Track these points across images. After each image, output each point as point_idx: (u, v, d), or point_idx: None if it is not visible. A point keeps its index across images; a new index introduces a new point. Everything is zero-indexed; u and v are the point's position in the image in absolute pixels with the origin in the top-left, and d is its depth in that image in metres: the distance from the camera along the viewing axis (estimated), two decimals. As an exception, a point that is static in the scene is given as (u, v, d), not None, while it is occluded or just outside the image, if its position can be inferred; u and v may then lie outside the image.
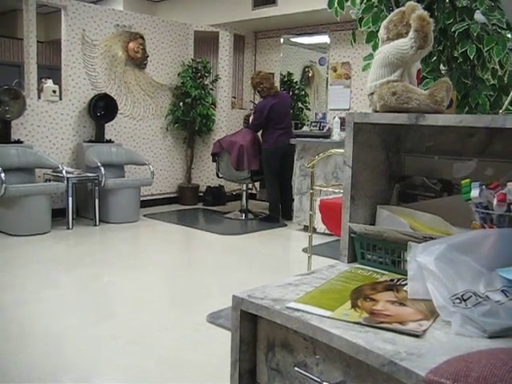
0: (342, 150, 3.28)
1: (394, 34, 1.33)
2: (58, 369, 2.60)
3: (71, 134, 6.43)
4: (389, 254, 1.35)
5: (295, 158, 6.01)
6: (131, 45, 6.88)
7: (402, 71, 1.31)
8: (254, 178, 6.53)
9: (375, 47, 2.79)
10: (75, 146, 6.45)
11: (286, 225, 6.32)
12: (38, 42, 6.18)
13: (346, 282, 1.24)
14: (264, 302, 1.09)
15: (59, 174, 5.77)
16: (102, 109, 6.51)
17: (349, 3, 2.80)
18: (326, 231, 3.02)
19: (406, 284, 1.24)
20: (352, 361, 0.96)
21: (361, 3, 2.78)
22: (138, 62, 6.96)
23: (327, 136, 7.18)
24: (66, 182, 5.68)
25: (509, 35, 2.60)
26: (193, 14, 7.79)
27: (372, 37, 2.75)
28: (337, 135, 6.05)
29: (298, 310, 1.06)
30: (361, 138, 1.39)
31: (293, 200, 6.39)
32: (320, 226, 3.03)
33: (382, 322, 1.01)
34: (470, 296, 1.04)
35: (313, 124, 7.46)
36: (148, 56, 7.05)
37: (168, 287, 4.07)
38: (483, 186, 1.18)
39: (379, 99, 1.31)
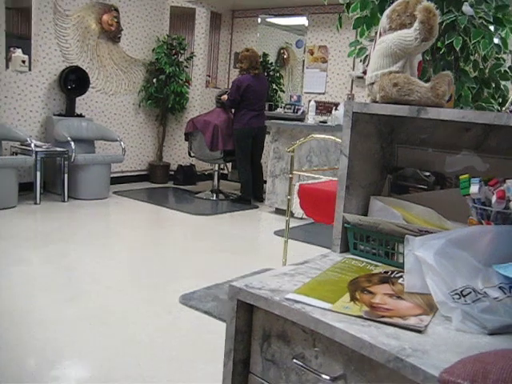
0: (323, 136, 3.27)
1: (398, 24, 1.32)
2: (27, 350, 2.55)
3: (40, 107, 6.24)
4: (382, 245, 1.35)
5: (269, 140, 5.99)
6: (105, 17, 6.69)
7: (404, 62, 1.30)
8: (226, 158, 6.48)
9: (362, 33, 2.78)
10: (44, 118, 6.27)
11: (257, 206, 6.32)
12: (5, 8, 5.95)
13: (342, 274, 1.24)
14: (262, 293, 1.08)
15: (27, 148, 5.60)
16: (73, 82, 6.33)
17: (337, -12, 2.77)
18: (304, 216, 3.00)
19: (400, 276, 1.24)
20: (354, 355, 0.96)
21: (349, -12, 2.76)
22: (112, 35, 6.78)
23: (301, 119, 7.17)
24: (34, 155, 5.52)
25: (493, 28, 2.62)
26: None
27: (359, 23, 2.74)
28: (311, 119, 6.04)
29: (297, 301, 1.05)
30: (358, 128, 1.37)
31: (265, 182, 6.39)
32: (298, 210, 3.02)
33: (382, 317, 1.01)
34: (470, 292, 1.04)
35: (287, 106, 7.43)
36: (122, 30, 6.88)
37: (139, 267, 4.02)
38: (482, 183, 1.19)
39: (380, 90, 1.30)
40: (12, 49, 6.17)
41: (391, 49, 1.29)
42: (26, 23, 8.64)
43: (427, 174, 1.49)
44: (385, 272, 1.28)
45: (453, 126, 1.41)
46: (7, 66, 5.97)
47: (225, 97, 6.37)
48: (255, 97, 6.21)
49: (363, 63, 2.50)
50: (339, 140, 3.01)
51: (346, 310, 1.02)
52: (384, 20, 1.35)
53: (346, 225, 1.39)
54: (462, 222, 1.32)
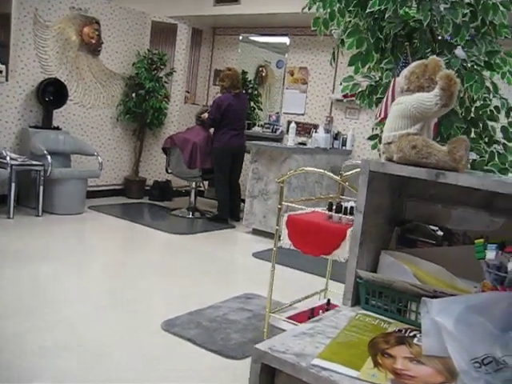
0: (314, 169, 3.31)
1: (416, 86, 1.35)
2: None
3: (16, 118, 6.13)
4: (395, 302, 1.36)
5: (249, 160, 6.01)
6: (86, 29, 6.63)
7: (422, 125, 1.33)
8: (204, 176, 6.48)
9: (357, 70, 2.83)
10: (20, 130, 6.15)
11: (234, 226, 6.31)
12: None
13: (359, 333, 1.25)
14: (288, 357, 1.08)
15: (2, 160, 5.48)
16: (51, 94, 6.24)
17: (334, 24, 2.82)
18: (292, 247, 3.02)
19: (414, 336, 1.26)
20: (384, 428, 0.97)
21: (345, 26, 2.81)
22: (92, 47, 6.72)
23: (280, 139, 7.23)
24: (9, 168, 5.41)
25: (486, 73, 2.70)
26: (151, 2, 7.59)
27: (355, 60, 2.79)
28: (291, 141, 6.08)
29: (324, 368, 1.05)
30: (372, 185, 1.39)
31: (242, 201, 6.40)
32: (285, 241, 3.03)
33: (409, 386, 1.02)
34: (491, 361, 1.07)
35: (265, 126, 7.47)
36: (103, 43, 6.83)
37: (116, 289, 3.96)
38: (499, 250, 1.22)
39: (398, 151, 1.32)
40: (-11, 58, 6.06)
41: (410, 111, 1.32)
42: (4, 31, 8.50)
43: (435, 228, 1.52)
44: (399, 330, 1.30)
45: (463, 185, 1.45)
46: (-16, 76, 5.86)
47: (205, 115, 6.37)
48: (235, 116, 6.24)
49: (376, 116, 2.53)
50: (330, 174, 3.04)
51: (373, 379, 1.03)
52: (402, 80, 1.38)
53: (358, 280, 1.41)
54: (472, 280, 1.35)
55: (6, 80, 6.03)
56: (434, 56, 1.38)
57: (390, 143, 1.36)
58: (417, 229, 1.54)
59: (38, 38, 6.21)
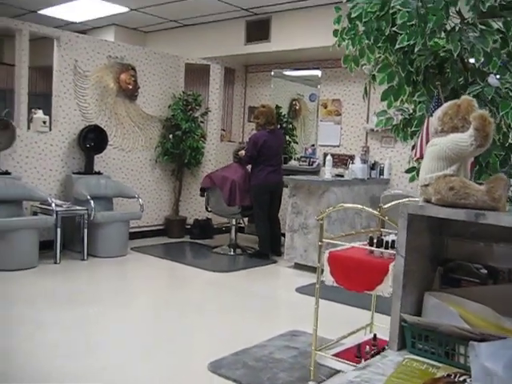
0: (356, 206, 3.30)
1: (450, 127, 1.35)
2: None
3: (60, 166, 6.34)
4: (442, 345, 1.34)
5: (287, 195, 6.02)
6: (123, 76, 6.85)
7: (458, 166, 1.33)
8: (244, 213, 6.52)
9: (390, 105, 2.84)
10: (64, 177, 6.35)
11: (275, 261, 6.30)
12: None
13: (407, 380, 1.23)
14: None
15: (48, 207, 5.66)
16: (92, 140, 6.44)
17: (364, 60, 2.85)
18: (335, 284, 2.99)
19: (465, 381, 1.24)
20: None
21: (376, 61, 2.83)
22: (129, 93, 6.93)
23: (317, 171, 7.24)
24: (54, 215, 5.58)
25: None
26: (184, 46, 7.82)
27: (387, 95, 2.80)
28: (328, 173, 6.08)
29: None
30: (411, 227, 1.39)
31: (283, 235, 6.39)
32: (328, 278, 3.01)
33: None
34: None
35: (302, 159, 7.50)
36: (139, 87, 7.04)
37: (161, 330, 3.98)
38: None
39: (435, 193, 1.32)
40: (33, 110, 6.32)
41: (445, 152, 1.32)
42: (44, 81, 8.90)
43: (479, 266, 1.50)
44: (448, 375, 1.27)
45: (505, 223, 1.43)
46: (28, 127, 6.10)
47: (242, 152, 6.46)
48: (272, 152, 6.30)
49: (412, 156, 2.53)
50: (368, 209, 3.03)
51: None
52: (435, 122, 1.38)
53: (403, 323, 1.39)
54: (521, 320, 1.32)
55: (50, 129, 6.27)
56: (467, 96, 1.38)
57: (427, 185, 1.36)
58: (460, 268, 1.52)
59: (78, 87, 6.45)
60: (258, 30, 7.03)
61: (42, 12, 7.56)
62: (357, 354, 3.11)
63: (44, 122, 6.18)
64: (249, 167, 6.54)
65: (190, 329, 4.03)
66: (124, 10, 7.23)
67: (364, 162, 6.46)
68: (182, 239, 7.37)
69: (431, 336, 1.36)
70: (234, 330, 4.02)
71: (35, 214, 5.86)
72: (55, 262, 5.63)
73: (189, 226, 7.50)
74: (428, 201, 1.37)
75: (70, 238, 6.15)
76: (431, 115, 2.00)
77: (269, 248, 6.43)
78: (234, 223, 6.73)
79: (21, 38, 5.95)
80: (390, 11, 2.65)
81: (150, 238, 7.22)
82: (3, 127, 5.69)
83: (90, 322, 4.02)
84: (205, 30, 7.64)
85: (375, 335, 3.35)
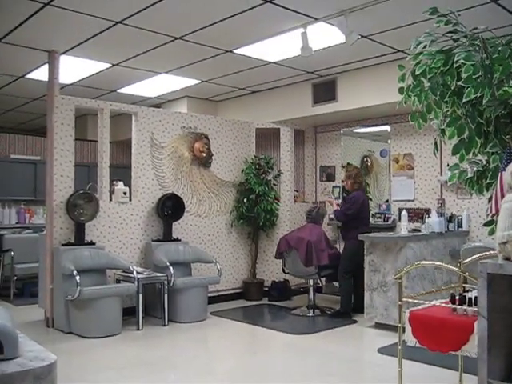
0: (435, 263, 3.22)
1: (523, 181, 1.32)
2: None
3: (140, 234, 6.58)
4: (536, 413, 1.26)
5: (364, 253, 5.92)
6: (197, 145, 7.13)
7: (536, 221, 1.29)
8: (321, 273, 6.46)
9: (462, 158, 2.79)
10: (143, 245, 6.58)
11: (355, 321, 6.14)
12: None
13: None
14: None
15: (130, 275, 5.85)
16: (170, 208, 6.67)
17: (432, 116, 2.84)
18: (418, 345, 2.89)
19: None
20: None
21: (444, 116, 2.81)
22: (203, 160, 7.18)
23: (392, 227, 7.11)
24: (136, 282, 5.75)
25: None
26: (254, 111, 8.08)
27: (459, 148, 2.76)
28: (404, 228, 5.95)
29: None
30: (493, 287, 1.34)
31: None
32: (410, 338, 2.91)
33: None
34: None
35: (377, 215, 7.40)
36: (212, 155, 7.28)
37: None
38: None
39: (514, 250, 1.28)
40: (114, 182, 6.67)
41: (521, 208, 1.29)
42: (123, 154, 9.40)
43: None
44: None
45: None
46: (110, 199, 6.42)
47: (332, 201, 6.76)
48: (367, 212, 6.57)
49: (487, 212, 2.47)
50: (447, 265, 2.94)
51: None
52: (508, 177, 1.36)
53: (491, 389, 1.33)
54: None
55: (130, 200, 6.56)
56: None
57: (505, 243, 1.32)
58: (550, 327, 1.44)
59: (154, 158, 6.76)
60: (325, 91, 7.16)
61: (122, 90, 8.08)
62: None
63: (124, 193, 6.49)
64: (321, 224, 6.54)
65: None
66: (195, 82, 7.61)
67: (440, 215, 6.28)
68: (260, 302, 7.35)
69: (523, 402, 1.28)
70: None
71: (118, 281, 6.07)
72: (138, 329, 5.76)
73: (266, 289, 7.50)
74: (508, 258, 1.33)
75: (151, 304, 6.29)
76: (504, 169, 1.95)
77: (351, 306, 6.30)
78: (312, 284, 6.66)
79: (102, 116, 6.37)
80: (455, 65, 2.66)
81: (228, 301, 7.26)
82: (88, 200, 6.02)
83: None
84: (273, 94, 7.89)
85: (466, 399, 3.17)
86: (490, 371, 1.31)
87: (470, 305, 2.73)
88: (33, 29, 5.38)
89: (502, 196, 1.62)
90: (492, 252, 2.96)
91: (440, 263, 2.99)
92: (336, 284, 7.13)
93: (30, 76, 7.24)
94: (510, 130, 2.67)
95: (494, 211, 2.22)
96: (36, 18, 5.05)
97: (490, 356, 1.31)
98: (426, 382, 3.99)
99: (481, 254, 3.13)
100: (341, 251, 6.72)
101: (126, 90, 8.06)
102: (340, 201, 7.61)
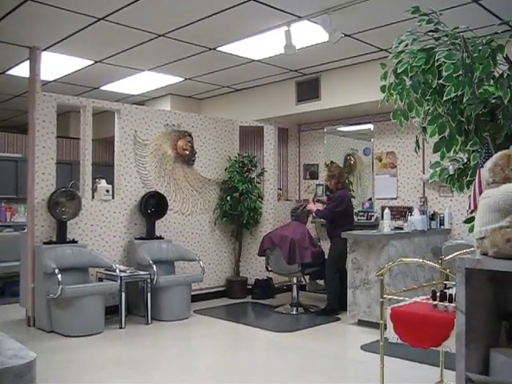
0: (416, 260, 3.24)
1: (501, 177, 1.34)
2: None
3: (123, 232, 6.54)
4: (513, 406, 1.28)
5: (347, 250, 5.96)
6: (180, 143, 7.10)
7: (513, 216, 1.30)
8: (304, 271, 6.48)
9: (443, 156, 2.82)
10: (126, 243, 6.54)
11: (339, 319, 6.17)
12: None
13: None
14: None
15: (112, 273, 5.82)
16: (153, 206, 6.64)
17: (413, 114, 2.86)
18: (399, 341, 2.91)
19: None
20: None
21: (425, 114, 2.84)
22: (187, 158, 7.16)
23: (375, 225, 7.16)
24: (119, 280, 5.72)
25: None
26: (237, 109, 8.09)
27: (439, 146, 2.79)
28: (387, 226, 5.99)
29: None
30: (471, 282, 1.36)
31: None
32: (392, 335, 2.93)
33: None
34: None
35: (360, 213, 7.44)
36: (196, 152, 7.26)
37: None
38: None
39: (492, 245, 1.30)
40: (97, 179, 6.62)
41: (499, 204, 1.30)
42: (105, 152, 9.33)
43: (547, 320, 1.43)
44: None
45: None
46: (93, 197, 6.38)
47: (311, 206, 6.59)
48: (352, 210, 6.63)
49: (467, 209, 2.49)
50: (428, 262, 2.96)
51: None
52: (486, 174, 1.37)
53: (469, 383, 1.34)
54: None
55: (113, 197, 6.52)
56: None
57: (482, 238, 1.34)
58: (527, 322, 1.47)
59: (137, 156, 6.72)
60: (308, 89, 7.19)
61: (104, 88, 8.03)
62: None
63: (107, 191, 6.44)
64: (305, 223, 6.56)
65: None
66: (179, 79, 7.58)
67: (423, 212, 6.34)
68: (243, 300, 7.36)
69: (500, 396, 1.30)
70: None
71: (101, 280, 6.03)
72: (120, 327, 5.73)
73: (250, 287, 7.50)
74: (485, 254, 1.34)
75: (134, 303, 6.26)
76: (482, 167, 1.97)
77: (337, 303, 6.33)
78: (295, 282, 6.68)
79: (85, 113, 6.32)
80: (436, 64, 2.68)
81: (211, 299, 7.25)
82: (70, 198, 5.97)
83: (156, 388, 4.03)
84: (256, 92, 7.89)
85: (447, 395, 3.21)
86: (467, 365, 1.33)
87: (450, 301, 2.76)
88: (13, 24, 5.32)
89: (480, 192, 1.64)
90: (473, 249, 2.99)
91: (421, 260, 3.02)
92: (320, 282, 7.17)
93: (11, 72, 7.16)
94: (490, 128, 2.70)
95: (472, 207, 2.25)
96: (16, 13, 5.00)
97: (468, 350, 1.33)
98: (407, 379, 4.02)
99: (462, 251, 3.16)
100: (327, 249, 6.73)
101: (109, 87, 8.01)
102: (318, 197, 7.57)
